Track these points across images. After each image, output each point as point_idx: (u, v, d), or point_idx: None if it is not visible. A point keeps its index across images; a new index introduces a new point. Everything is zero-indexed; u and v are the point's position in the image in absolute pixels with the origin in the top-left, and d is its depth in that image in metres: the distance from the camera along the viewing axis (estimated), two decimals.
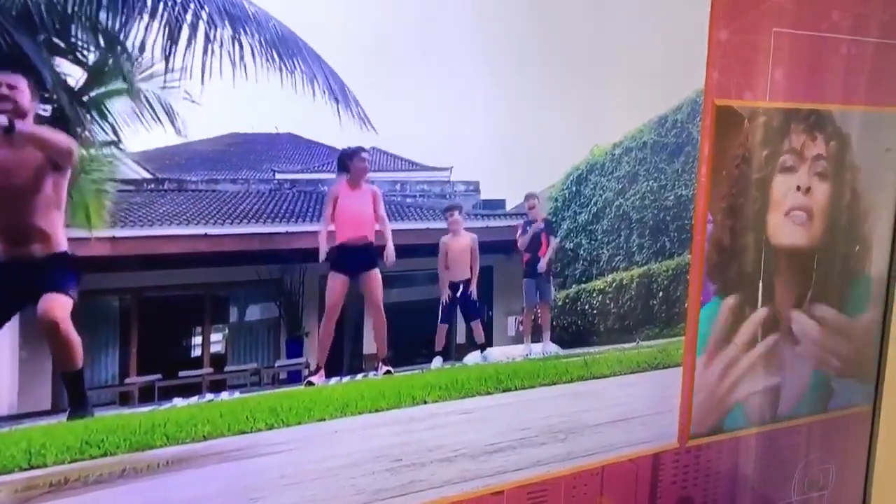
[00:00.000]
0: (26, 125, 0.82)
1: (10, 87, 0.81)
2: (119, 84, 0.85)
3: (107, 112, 0.86)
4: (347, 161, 1.04)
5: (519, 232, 1.20)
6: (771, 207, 1.21)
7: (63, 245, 0.87)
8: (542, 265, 1.21)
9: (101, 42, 0.83)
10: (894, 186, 1.32)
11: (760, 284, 1.22)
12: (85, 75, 0.85)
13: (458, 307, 1.20)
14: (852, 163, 1.25)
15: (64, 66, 0.84)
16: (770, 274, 1.22)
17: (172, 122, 0.87)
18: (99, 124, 0.86)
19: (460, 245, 1.17)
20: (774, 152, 1.19)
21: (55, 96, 0.84)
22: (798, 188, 1.21)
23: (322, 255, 1.04)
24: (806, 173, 1.21)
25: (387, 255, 1.07)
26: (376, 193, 1.07)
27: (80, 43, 0.83)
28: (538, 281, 1.22)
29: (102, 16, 0.82)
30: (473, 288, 1.20)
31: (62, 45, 0.83)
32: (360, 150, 1.01)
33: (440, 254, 1.16)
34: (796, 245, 1.24)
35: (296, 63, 0.91)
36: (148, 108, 0.86)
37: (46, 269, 0.86)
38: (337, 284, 1.09)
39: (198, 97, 0.86)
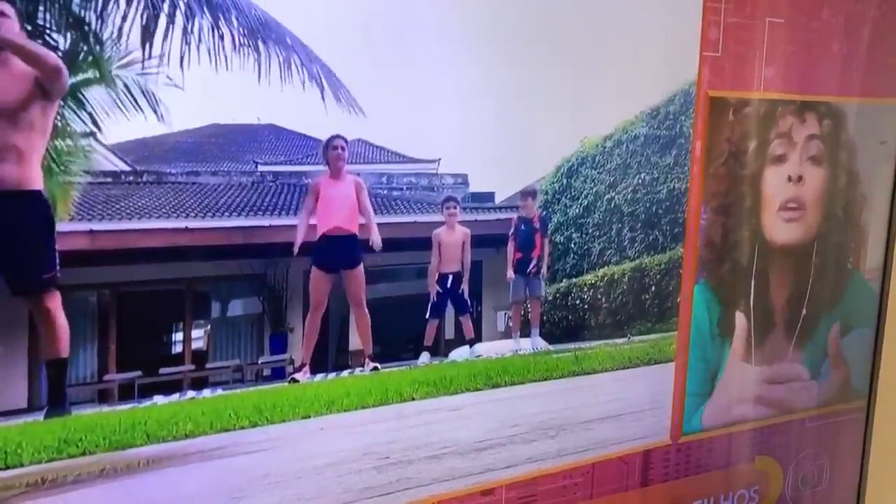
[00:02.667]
0: (12, 33, 0.79)
1: None
2: (96, 72, 0.83)
3: (84, 100, 0.84)
4: (324, 152, 1.02)
5: (511, 230, 1.18)
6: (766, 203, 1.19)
7: (38, 182, 0.83)
8: (531, 268, 1.20)
9: (76, 27, 0.81)
10: (889, 179, 1.31)
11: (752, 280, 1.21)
12: None
13: (448, 301, 1.18)
14: (848, 144, 1.24)
15: None
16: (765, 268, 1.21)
17: (155, 111, 0.84)
18: (76, 113, 0.84)
19: (454, 239, 1.15)
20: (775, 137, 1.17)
21: None
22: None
23: (296, 249, 1.01)
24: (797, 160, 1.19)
25: (372, 241, 1.05)
26: (359, 184, 1.05)
27: (51, 28, 0.81)
28: (527, 279, 1.21)
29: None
30: (465, 284, 1.18)
31: (32, 28, 0.80)
32: (333, 138, 0.98)
33: (433, 246, 1.14)
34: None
35: (278, 51, 0.89)
36: (128, 96, 0.84)
37: (22, 212, 0.82)
38: (320, 281, 1.07)
39: (179, 84, 0.83)
